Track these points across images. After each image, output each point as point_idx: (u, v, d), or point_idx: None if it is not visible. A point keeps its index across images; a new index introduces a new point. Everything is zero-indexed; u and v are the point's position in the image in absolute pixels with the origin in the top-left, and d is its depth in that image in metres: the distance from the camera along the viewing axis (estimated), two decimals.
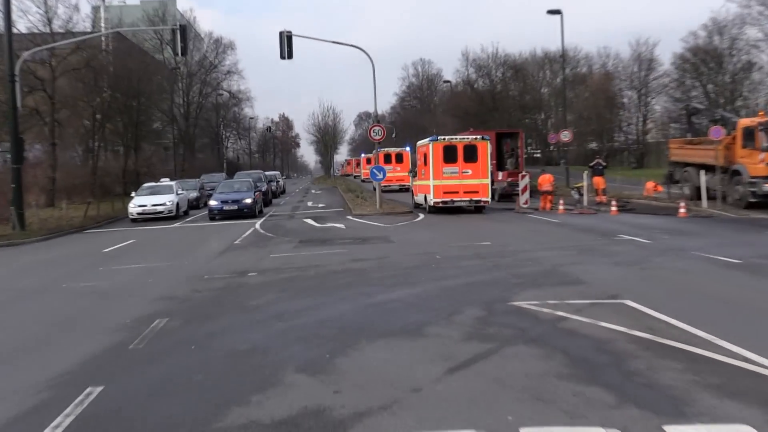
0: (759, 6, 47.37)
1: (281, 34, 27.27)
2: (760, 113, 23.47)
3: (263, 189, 33.68)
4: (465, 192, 25.04)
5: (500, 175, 31.44)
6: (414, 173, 29.74)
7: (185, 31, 27.27)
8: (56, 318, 9.67)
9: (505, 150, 34.50)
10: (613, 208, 23.33)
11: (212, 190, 31.84)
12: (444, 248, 14.81)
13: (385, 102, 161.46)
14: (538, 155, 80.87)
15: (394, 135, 77.13)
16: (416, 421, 5.02)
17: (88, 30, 45.57)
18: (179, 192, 29.85)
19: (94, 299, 10.94)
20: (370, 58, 29.07)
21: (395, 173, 44.89)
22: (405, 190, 40.25)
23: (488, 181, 25.06)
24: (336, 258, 13.93)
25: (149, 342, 7.79)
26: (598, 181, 27.98)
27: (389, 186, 42.56)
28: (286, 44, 27.29)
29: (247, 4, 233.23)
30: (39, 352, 7.77)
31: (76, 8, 73.32)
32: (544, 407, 5.21)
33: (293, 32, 27.45)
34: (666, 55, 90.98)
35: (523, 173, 27.32)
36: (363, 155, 75.62)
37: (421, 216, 24.21)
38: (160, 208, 27.85)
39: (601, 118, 66.18)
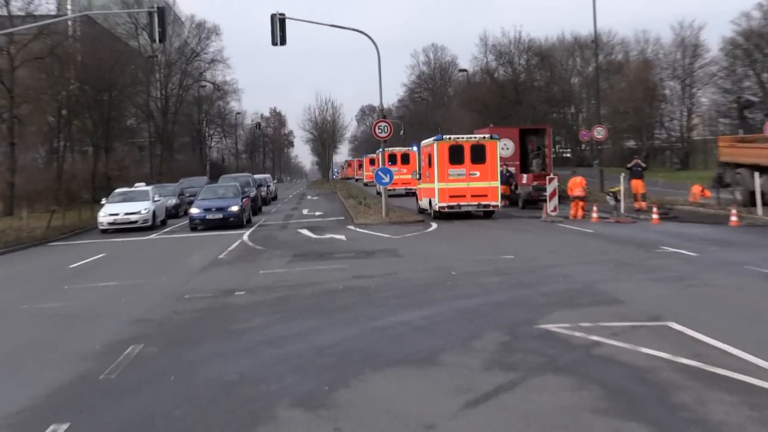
0: None
1: (273, 16, 27.39)
2: None
3: (252, 195, 33.75)
4: (473, 195, 25.79)
5: (524, 178, 31.43)
6: (419, 175, 30.31)
7: (163, 14, 27.42)
8: (15, 345, 9.70)
9: (530, 149, 34.52)
10: (654, 216, 23.28)
11: (193, 196, 31.95)
12: (461, 263, 14.79)
13: (392, 94, 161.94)
14: (568, 155, 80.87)
15: (402, 132, 77.31)
16: None
17: (53, 13, 45.95)
18: (156, 199, 29.96)
19: (59, 322, 10.96)
20: (375, 44, 29.18)
21: (401, 175, 45.01)
22: (412, 194, 40.30)
23: (498, 183, 25.97)
24: (336, 275, 13.92)
25: (122, 371, 7.80)
26: (637, 184, 27.94)
27: (394, 190, 42.67)
28: (279, 28, 27.42)
29: None
30: None
31: None
32: None
33: (286, 15, 27.59)
34: (714, 40, 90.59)
35: (551, 176, 27.30)
36: (366, 156, 75.88)
37: (434, 225, 24.21)
38: (134, 218, 27.94)
39: (640, 113, 66.15)
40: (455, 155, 26.14)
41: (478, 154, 26.16)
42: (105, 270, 17.18)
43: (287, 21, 27.60)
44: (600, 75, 56.62)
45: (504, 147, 33.12)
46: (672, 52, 68.29)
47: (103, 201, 30.09)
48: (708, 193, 28.64)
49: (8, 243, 24.71)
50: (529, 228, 22.81)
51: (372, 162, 63.66)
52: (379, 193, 50.26)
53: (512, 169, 32.53)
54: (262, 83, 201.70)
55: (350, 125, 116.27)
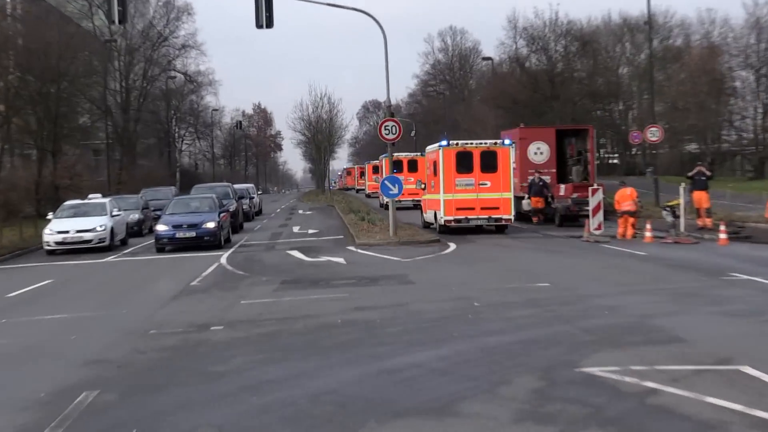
0: None
1: None
2: None
3: (231, 209, 33.81)
4: (482, 208, 27.28)
5: (562, 190, 31.44)
6: (424, 185, 31.21)
7: None
8: None
9: (569, 154, 34.53)
10: (722, 236, 23.22)
11: (160, 210, 32.00)
12: (484, 292, 14.78)
13: (401, 88, 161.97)
14: (615, 161, 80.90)
15: (413, 133, 77.50)
16: None
17: None
18: (115, 213, 30.02)
19: None
20: (381, 27, 29.28)
21: (407, 185, 45.21)
22: None
23: (511, 195, 27.54)
24: (333, 305, 13.93)
25: (72, 425, 7.79)
26: (700, 197, 27.90)
27: (400, 202, 42.77)
28: (264, 7, 27.52)
29: None
30: None
31: None
32: None
33: None
34: None
35: (595, 186, 27.31)
36: (368, 162, 76.05)
37: (452, 246, 24.24)
38: (87, 236, 27.99)
39: (704, 110, 66.18)
40: (463, 163, 27.22)
41: (489, 162, 27.20)
42: (52, 300, 17.18)
43: None
44: (655, 64, 56.65)
45: (537, 151, 33.22)
46: (744, 36, 68.20)
47: (50, 216, 30.13)
48: None
49: None
50: (568, 249, 22.77)
51: (375, 170, 63.81)
52: (384, 206, 50.52)
53: (547, 179, 32.47)
54: (244, 74, 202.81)
55: (351, 125, 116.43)
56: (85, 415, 8.10)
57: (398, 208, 38.31)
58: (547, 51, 73.60)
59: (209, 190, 37.52)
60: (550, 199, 32.00)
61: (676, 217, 25.73)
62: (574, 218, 30.11)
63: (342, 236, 30.10)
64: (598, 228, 25.72)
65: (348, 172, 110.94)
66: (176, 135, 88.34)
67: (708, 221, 26.99)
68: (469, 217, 27.30)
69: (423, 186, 31.59)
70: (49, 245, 28.01)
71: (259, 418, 7.68)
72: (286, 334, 11.78)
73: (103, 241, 28.13)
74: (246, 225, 39.00)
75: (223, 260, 22.99)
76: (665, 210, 26.72)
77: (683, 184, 27.21)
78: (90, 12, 66.30)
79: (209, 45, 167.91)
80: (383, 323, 12.17)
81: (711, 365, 8.88)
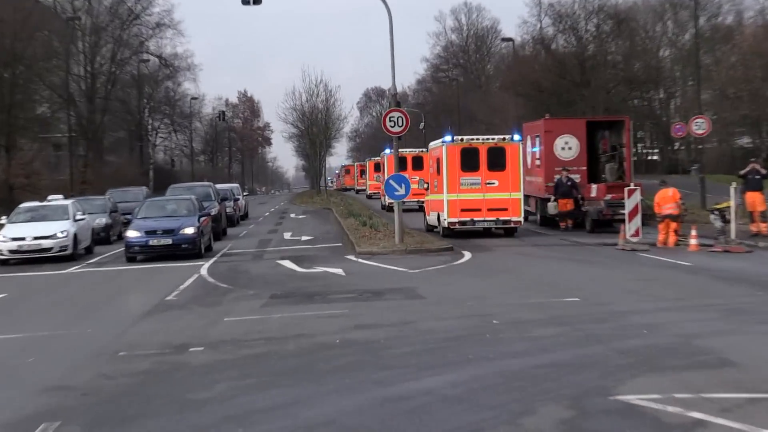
0: None
1: None
2: None
3: (213, 212, 33.83)
4: (489, 209, 28.49)
5: (594, 190, 31.40)
6: (427, 185, 32.01)
7: None
8: None
9: (602, 149, 34.52)
10: None
11: (131, 213, 32.02)
12: (504, 308, 14.78)
13: (409, 73, 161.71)
14: (655, 157, 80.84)
15: (422, 126, 77.63)
16: None
17: None
18: (78, 217, 30.04)
19: None
20: (385, 2, 29.32)
21: (412, 184, 45.42)
22: None
23: (520, 195, 28.82)
24: (331, 323, 13.94)
25: None
26: (754, 199, 27.86)
27: (404, 204, 42.81)
28: None
29: None
30: None
31: None
32: None
33: None
34: None
35: (632, 186, 27.29)
36: (369, 159, 76.16)
37: (467, 256, 24.26)
38: (47, 243, 27.99)
39: (758, 98, 66.07)
40: (468, 160, 28.37)
41: (497, 159, 28.28)
42: (5, 317, 17.16)
43: None
44: (701, 45, 56.66)
45: (565, 146, 33.21)
46: None
47: (3, 220, 30.17)
48: None
49: None
50: (601, 259, 22.79)
51: (377, 167, 63.86)
52: (386, 208, 50.47)
53: (576, 178, 32.44)
54: (228, 58, 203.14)
55: (350, 116, 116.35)
56: None
57: (403, 210, 38.37)
58: (576, 31, 73.64)
59: (187, 190, 37.56)
60: (579, 202, 31.98)
61: (726, 221, 25.70)
62: (607, 223, 30.10)
63: (340, 244, 30.16)
64: (636, 234, 25.69)
65: (347, 170, 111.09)
66: (149, 127, 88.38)
67: (763, 226, 26.94)
68: (475, 219, 28.48)
69: (426, 186, 32.30)
70: (2, 254, 27.99)
71: None
72: (277, 356, 11.77)
73: (65, 250, 28.11)
74: (230, 231, 39.01)
75: (204, 271, 23.00)
76: (713, 214, 26.70)
77: (734, 184, 27.17)
78: None
79: (188, 24, 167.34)
80: (388, 344, 12.16)
81: (767, 393, 8.86)
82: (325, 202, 66.52)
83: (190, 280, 21.19)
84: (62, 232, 28.30)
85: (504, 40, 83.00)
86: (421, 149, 50.86)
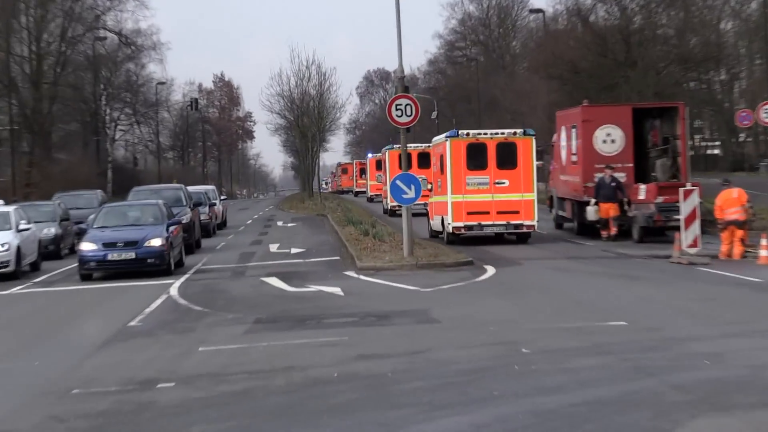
0: None
1: None
2: None
3: (185, 220, 33.87)
4: (499, 212, 29.43)
5: (642, 192, 31.35)
6: (430, 186, 32.64)
7: None
8: None
9: (652, 142, 34.49)
10: None
11: (85, 222, 32.07)
12: (535, 334, 14.78)
13: (419, 52, 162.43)
14: (716, 151, 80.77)
15: (435, 115, 77.58)
16: None
17: None
18: (22, 226, 30.07)
19: None
20: None
21: None
22: None
23: (533, 196, 29.66)
24: (328, 353, 13.95)
25: None
26: None
27: (412, 208, 42.97)
28: None
29: None
30: None
31: None
32: None
33: None
34: None
35: (689, 187, 27.29)
36: (370, 156, 76.09)
37: (490, 271, 24.25)
38: None
39: None
40: (475, 158, 29.24)
41: (507, 157, 29.21)
42: None
43: None
44: None
45: (607, 138, 33.13)
46: None
47: None
48: None
49: None
50: (652, 274, 22.78)
51: (379, 165, 63.87)
52: (388, 212, 50.36)
53: (621, 176, 32.40)
54: (202, 35, 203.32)
55: (348, 103, 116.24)
56: None
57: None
58: (620, 1, 73.62)
59: (154, 194, 37.60)
60: (625, 206, 31.95)
61: None
62: (659, 231, 30.11)
63: (337, 257, 30.18)
64: (694, 245, 25.67)
65: (344, 168, 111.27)
66: (107, 118, 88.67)
67: None
68: (483, 223, 29.40)
69: (429, 186, 32.64)
70: None
71: None
72: (262, 393, 11.76)
73: (6, 266, 28.13)
74: (205, 243, 39.11)
75: (174, 291, 23.03)
76: None
77: None
78: None
79: None
80: (396, 378, 12.15)
81: None
82: (318, 207, 66.55)
83: (158, 302, 21.21)
84: (2, 245, 28.33)
85: (533, 11, 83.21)
86: (427, 144, 50.91)
